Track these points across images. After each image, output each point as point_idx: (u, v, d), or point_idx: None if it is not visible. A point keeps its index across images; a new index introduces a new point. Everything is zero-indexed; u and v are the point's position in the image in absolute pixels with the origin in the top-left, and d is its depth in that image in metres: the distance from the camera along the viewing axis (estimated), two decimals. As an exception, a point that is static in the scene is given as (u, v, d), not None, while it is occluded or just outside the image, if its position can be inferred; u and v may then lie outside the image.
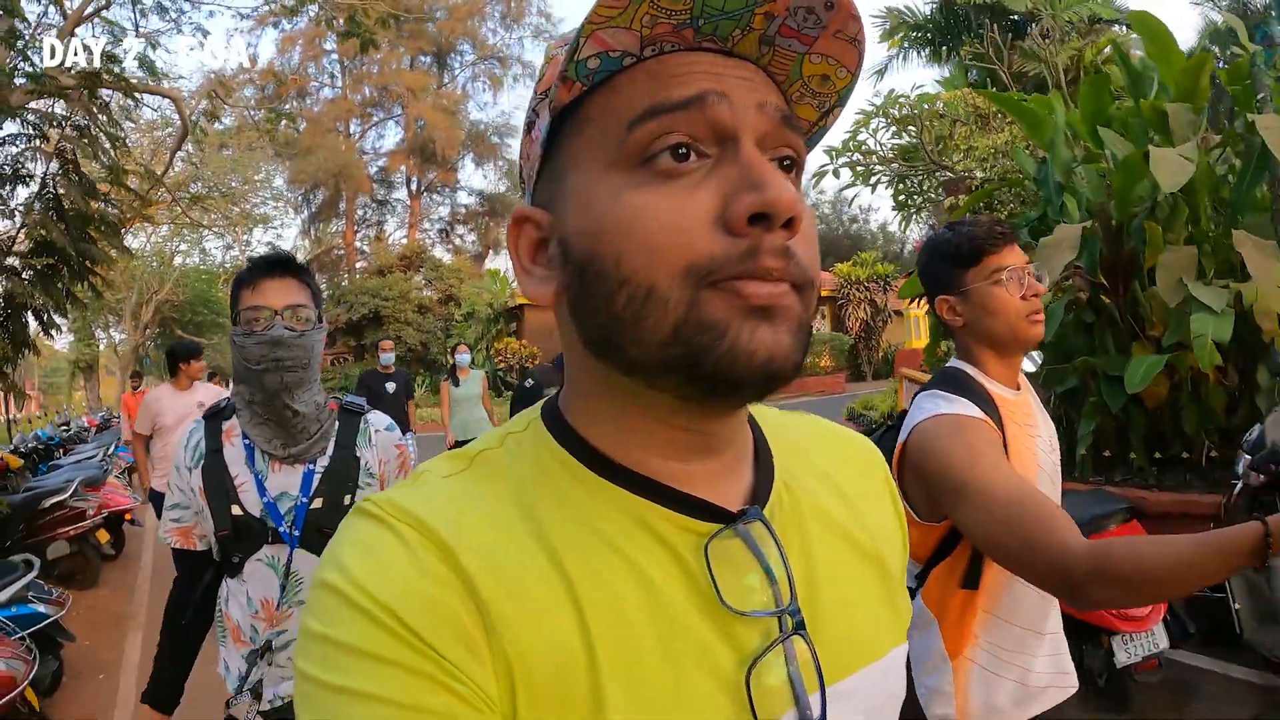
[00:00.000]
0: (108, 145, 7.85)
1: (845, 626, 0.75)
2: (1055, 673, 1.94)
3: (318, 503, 2.17)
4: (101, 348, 41.58)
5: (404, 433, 8.72)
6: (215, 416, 2.26)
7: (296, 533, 2.15)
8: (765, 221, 0.60)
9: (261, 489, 2.16)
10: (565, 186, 0.67)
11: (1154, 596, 1.40)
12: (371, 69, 41.53)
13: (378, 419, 2.36)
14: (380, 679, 0.58)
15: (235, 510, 2.14)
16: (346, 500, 2.21)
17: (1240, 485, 4.31)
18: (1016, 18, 18.94)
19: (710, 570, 0.66)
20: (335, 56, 40.95)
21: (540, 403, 0.77)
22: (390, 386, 9.13)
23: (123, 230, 9.32)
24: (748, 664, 0.66)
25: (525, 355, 19.62)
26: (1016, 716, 1.88)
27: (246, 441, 2.19)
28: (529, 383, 2.61)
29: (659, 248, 0.60)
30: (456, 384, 9.30)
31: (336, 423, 2.28)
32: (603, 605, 0.63)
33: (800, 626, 0.69)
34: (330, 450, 2.24)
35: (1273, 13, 7.30)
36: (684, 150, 0.62)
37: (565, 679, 0.61)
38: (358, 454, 2.26)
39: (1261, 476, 4.11)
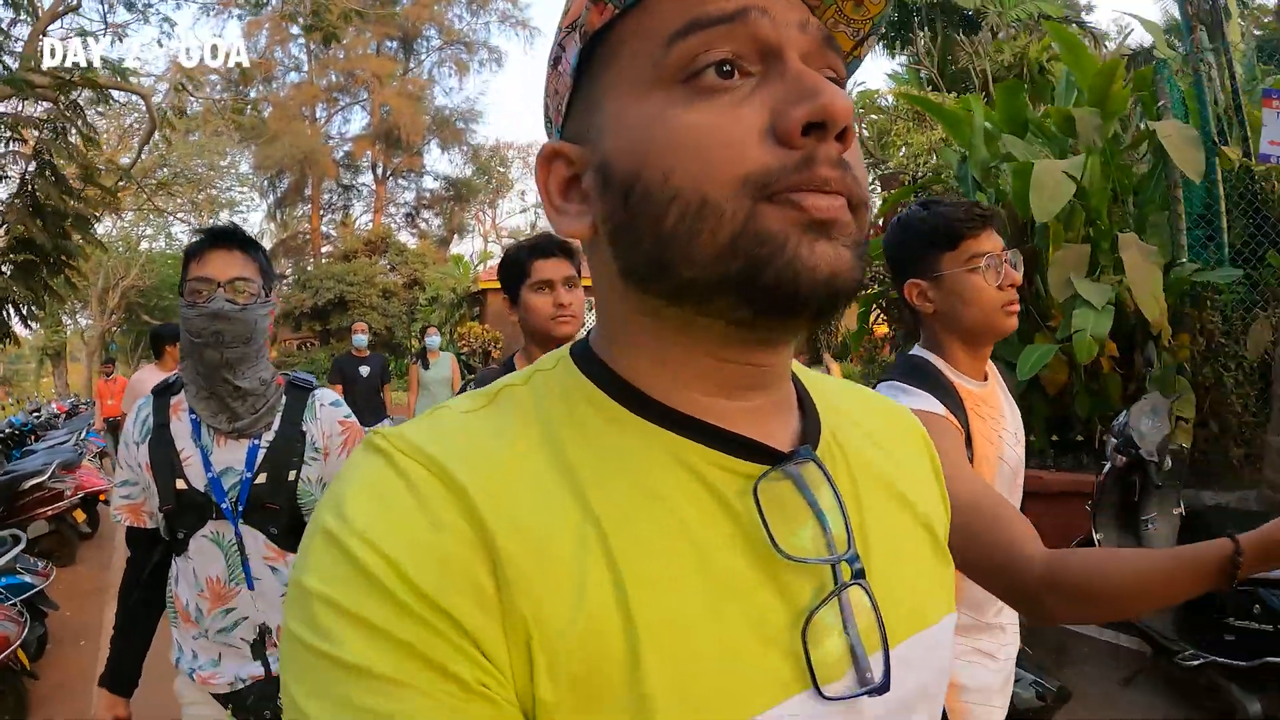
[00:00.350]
0: (80, 145, 8.14)
1: (899, 587, 0.70)
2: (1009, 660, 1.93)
3: (261, 478, 2.14)
4: (68, 334, 41.38)
5: (381, 418, 8.72)
6: (164, 392, 2.23)
7: (241, 508, 2.12)
8: (820, 131, 0.58)
9: (207, 463, 2.12)
10: (601, 113, 0.64)
11: (1113, 612, 1.32)
12: (338, 54, 41.18)
13: (324, 394, 2.31)
14: (377, 652, 0.52)
15: (179, 484, 2.11)
16: (291, 476, 2.17)
17: (1109, 466, 4.58)
18: (969, 13, 19.36)
19: (761, 513, 0.61)
20: (302, 41, 40.76)
21: (571, 342, 0.73)
22: (364, 370, 9.02)
23: (94, 220, 9.58)
24: (800, 619, 0.61)
25: (488, 339, 19.86)
26: (999, 700, 1.87)
27: (193, 416, 2.16)
28: (471, 386, 2.62)
29: (711, 160, 0.58)
30: (426, 367, 9.26)
31: (284, 398, 2.24)
32: (639, 556, 0.58)
33: (860, 575, 0.65)
34: (276, 425, 2.20)
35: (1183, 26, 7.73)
36: (728, 67, 0.59)
37: (595, 644, 0.56)
38: (304, 429, 2.22)
39: (1123, 458, 4.41)
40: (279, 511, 2.15)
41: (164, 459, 2.13)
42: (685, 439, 0.63)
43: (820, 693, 0.60)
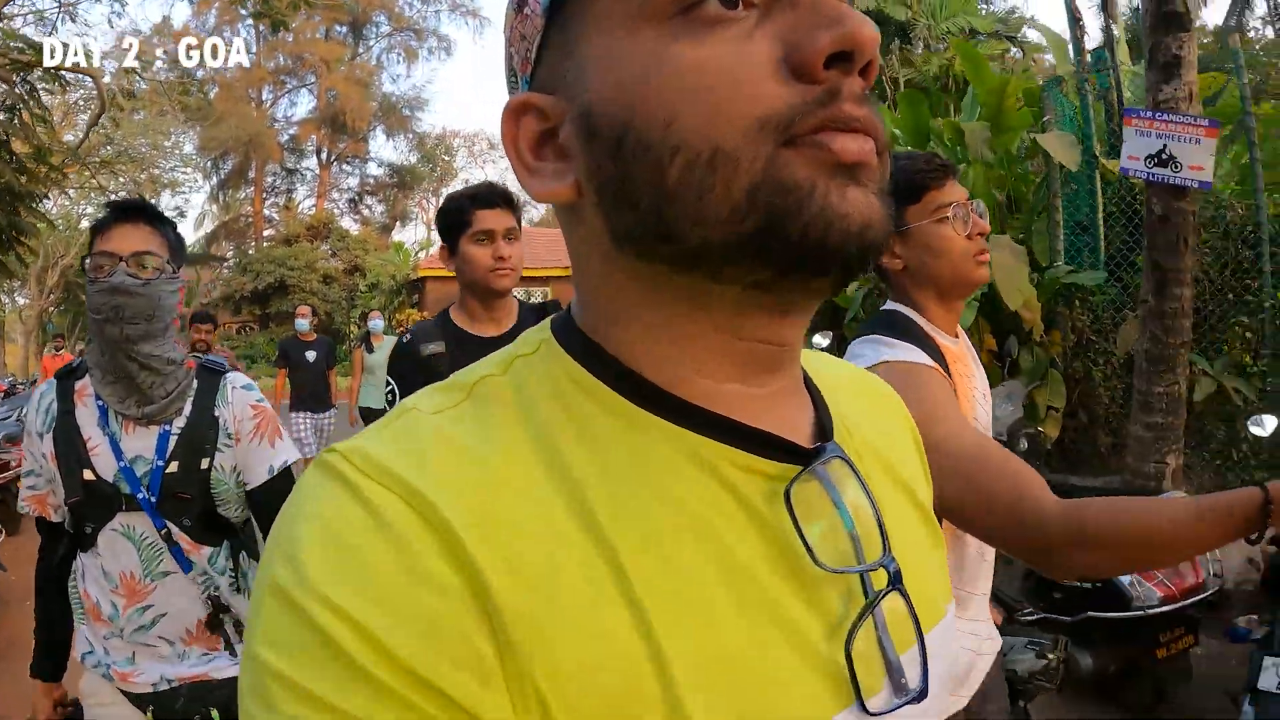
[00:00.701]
0: (31, 124, 8.40)
1: (919, 583, 0.62)
2: (988, 637, 1.87)
3: (173, 466, 2.02)
4: (5, 313, 40.80)
5: (328, 405, 8.68)
6: (68, 376, 2.10)
7: (153, 498, 2.00)
8: (844, 63, 0.50)
9: (117, 452, 2.00)
10: (581, 55, 0.55)
11: (1139, 563, 1.28)
12: (286, 37, 41.07)
13: (236, 378, 2.19)
14: None
15: (87, 475, 1.99)
16: (204, 464, 2.06)
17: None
18: (903, 23, 19.92)
19: (796, 522, 0.54)
20: (250, 22, 40.49)
21: (549, 319, 0.63)
22: (310, 355, 8.79)
23: (41, 198, 9.76)
24: (833, 631, 0.55)
25: (428, 326, 20.06)
26: (964, 690, 1.80)
27: (100, 402, 2.03)
28: (406, 338, 2.60)
29: (721, 101, 0.49)
30: (370, 350, 9.06)
31: (195, 382, 2.11)
32: (666, 587, 0.50)
33: (898, 579, 0.58)
34: (188, 411, 2.07)
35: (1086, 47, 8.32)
36: None
37: (627, 695, 0.47)
38: (216, 414, 2.10)
39: (983, 434, 5.05)
40: (191, 501, 2.05)
41: (69, 448, 2.02)
42: (704, 437, 0.55)
43: (865, 709, 0.55)
